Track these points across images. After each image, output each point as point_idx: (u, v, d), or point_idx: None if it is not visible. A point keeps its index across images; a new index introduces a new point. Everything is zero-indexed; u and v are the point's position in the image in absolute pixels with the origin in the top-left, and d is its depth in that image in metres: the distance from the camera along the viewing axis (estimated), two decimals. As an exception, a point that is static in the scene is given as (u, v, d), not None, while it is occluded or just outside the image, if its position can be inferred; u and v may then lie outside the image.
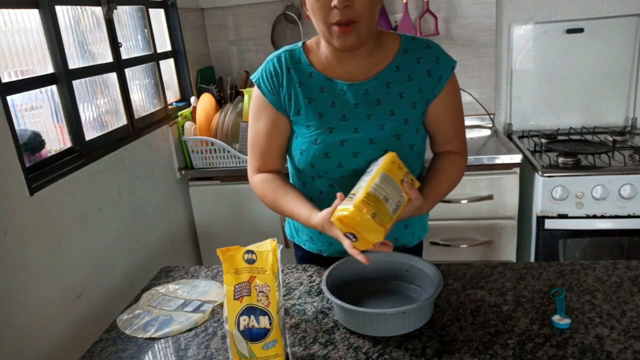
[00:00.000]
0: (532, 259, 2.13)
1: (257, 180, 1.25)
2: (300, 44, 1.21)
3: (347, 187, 1.05)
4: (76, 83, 1.70)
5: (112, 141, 1.87)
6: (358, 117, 1.15)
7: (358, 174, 1.09)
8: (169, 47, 2.41)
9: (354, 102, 1.15)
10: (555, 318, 1.01)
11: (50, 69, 1.61)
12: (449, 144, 1.22)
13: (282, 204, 1.19)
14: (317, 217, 1.09)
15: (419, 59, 1.15)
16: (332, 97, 1.16)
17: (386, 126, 1.14)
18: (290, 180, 1.31)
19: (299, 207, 1.16)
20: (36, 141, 1.54)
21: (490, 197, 2.11)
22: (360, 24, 1.05)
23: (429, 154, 1.25)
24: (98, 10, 1.86)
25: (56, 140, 1.65)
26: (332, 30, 1.06)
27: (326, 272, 1.11)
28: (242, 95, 2.36)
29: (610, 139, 2.25)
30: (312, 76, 1.17)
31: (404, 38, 1.18)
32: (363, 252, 1.02)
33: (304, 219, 1.14)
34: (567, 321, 1.00)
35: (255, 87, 1.21)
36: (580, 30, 2.38)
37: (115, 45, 1.93)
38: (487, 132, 2.47)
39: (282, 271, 1.21)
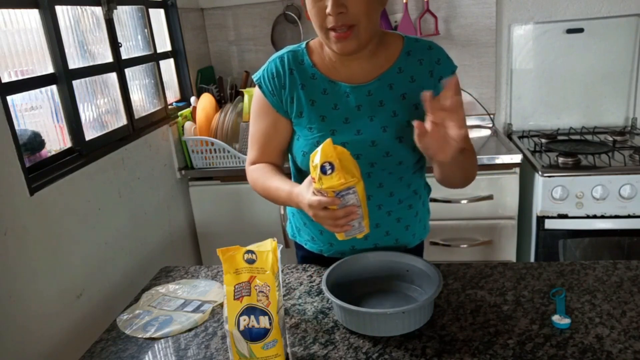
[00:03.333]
0: (532, 259, 2.13)
1: (252, 168, 1.26)
2: (303, 44, 1.20)
3: None
4: (76, 83, 1.70)
5: (112, 141, 1.87)
6: (361, 119, 1.14)
7: None
8: (169, 47, 2.41)
9: (357, 104, 1.15)
10: (555, 318, 1.01)
11: (50, 69, 1.61)
12: None
13: (270, 184, 1.18)
14: (300, 189, 1.06)
15: (421, 60, 1.15)
16: (335, 99, 1.16)
17: (388, 128, 1.14)
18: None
19: (284, 182, 1.14)
20: (36, 141, 1.54)
21: (490, 197, 2.11)
22: (358, 28, 1.05)
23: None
24: (98, 10, 1.86)
25: (56, 140, 1.65)
26: (329, 35, 1.06)
27: (326, 272, 1.11)
28: (242, 95, 2.36)
29: (610, 139, 2.25)
30: (315, 78, 1.17)
31: (407, 39, 1.17)
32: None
33: (287, 189, 1.11)
34: (567, 321, 1.00)
35: (257, 87, 1.21)
36: (580, 30, 2.38)
37: (115, 45, 1.93)
38: (487, 132, 2.47)
39: (282, 271, 1.21)
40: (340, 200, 0.97)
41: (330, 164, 0.95)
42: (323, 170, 0.95)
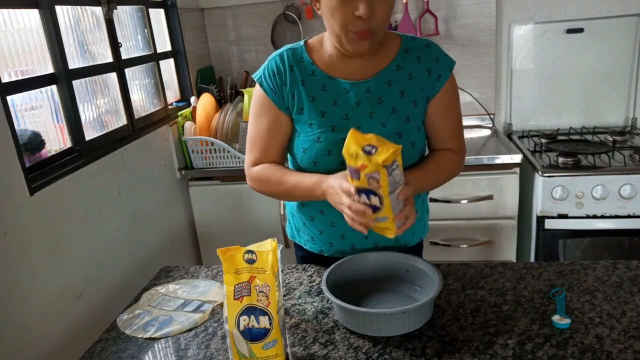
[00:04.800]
0: (532, 259, 2.13)
1: (257, 169, 1.24)
2: (302, 42, 1.21)
3: None
4: (76, 83, 1.70)
5: (112, 141, 1.87)
6: (360, 116, 1.15)
7: None
8: (169, 47, 2.41)
9: (356, 101, 1.15)
10: (555, 318, 1.01)
11: (50, 69, 1.61)
12: (446, 144, 1.23)
13: (289, 177, 1.17)
14: (333, 175, 1.08)
15: (419, 58, 1.16)
16: (335, 95, 1.16)
17: (388, 124, 1.14)
18: None
19: (307, 175, 1.15)
20: (36, 141, 1.54)
21: (490, 197, 2.11)
22: (376, 34, 1.08)
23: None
24: (98, 10, 1.86)
25: (56, 140, 1.65)
26: (348, 35, 1.07)
27: (326, 272, 1.11)
28: (242, 95, 2.36)
29: (610, 139, 2.25)
30: (314, 75, 1.17)
31: (405, 38, 1.19)
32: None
33: (314, 181, 1.12)
34: (567, 321, 1.00)
35: (257, 86, 1.21)
36: (580, 30, 2.38)
37: (115, 45, 1.93)
38: (487, 132, 2.47)
39: (282, 271, 1.21)
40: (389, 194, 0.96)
41: (370, 144, 0.95)
42: (367, 152, 0.95)
